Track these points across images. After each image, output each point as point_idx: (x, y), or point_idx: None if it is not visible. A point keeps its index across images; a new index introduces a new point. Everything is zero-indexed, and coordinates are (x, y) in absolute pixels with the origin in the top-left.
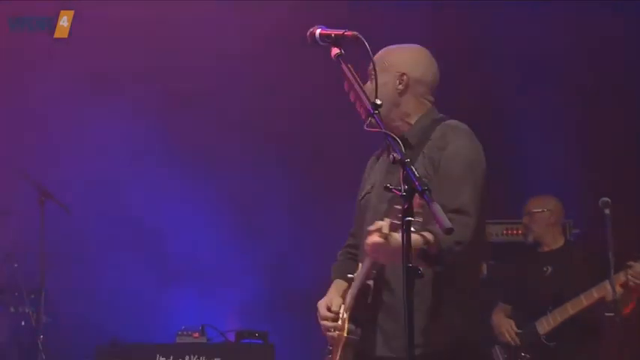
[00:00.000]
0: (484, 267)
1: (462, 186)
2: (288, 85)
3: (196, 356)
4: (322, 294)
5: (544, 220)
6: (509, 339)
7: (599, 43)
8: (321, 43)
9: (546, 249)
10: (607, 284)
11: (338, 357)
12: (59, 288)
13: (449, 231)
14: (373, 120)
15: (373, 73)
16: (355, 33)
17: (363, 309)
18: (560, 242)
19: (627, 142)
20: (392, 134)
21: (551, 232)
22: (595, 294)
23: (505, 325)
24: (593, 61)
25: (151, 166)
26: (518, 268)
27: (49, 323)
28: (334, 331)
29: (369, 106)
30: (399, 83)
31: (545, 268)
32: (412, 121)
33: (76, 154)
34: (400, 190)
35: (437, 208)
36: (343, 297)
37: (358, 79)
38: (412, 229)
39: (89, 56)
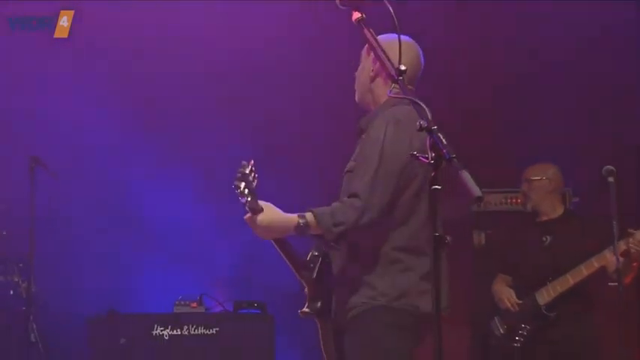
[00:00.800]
0: (482, 237)
1: (361, 172)
2: (265, 59)
3: (195, 326)
4: None
5: (543, 188)
6: (509, 305)
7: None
8: (342, 7)
9: (545, 218)
10: (607, 253)
11: (319, 328)
12: (49, 256)
13: (478, 199)
14: (397, 87)
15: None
16: None
17: (312, 284)
18: (560, 211)
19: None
20: (417, 100)
21: (550, 200)
22: (595, 263)
23: (505, 293)
24: (593, 28)
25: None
26: (516, 238)
27: (38, 292)
28: None
29: (394, 72)
30: (372, 70)
31: (544, 238)
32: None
33: (64, 124)
34: (428, 158)
35: (465, 175)
36: None
37: (381, 45)
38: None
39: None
